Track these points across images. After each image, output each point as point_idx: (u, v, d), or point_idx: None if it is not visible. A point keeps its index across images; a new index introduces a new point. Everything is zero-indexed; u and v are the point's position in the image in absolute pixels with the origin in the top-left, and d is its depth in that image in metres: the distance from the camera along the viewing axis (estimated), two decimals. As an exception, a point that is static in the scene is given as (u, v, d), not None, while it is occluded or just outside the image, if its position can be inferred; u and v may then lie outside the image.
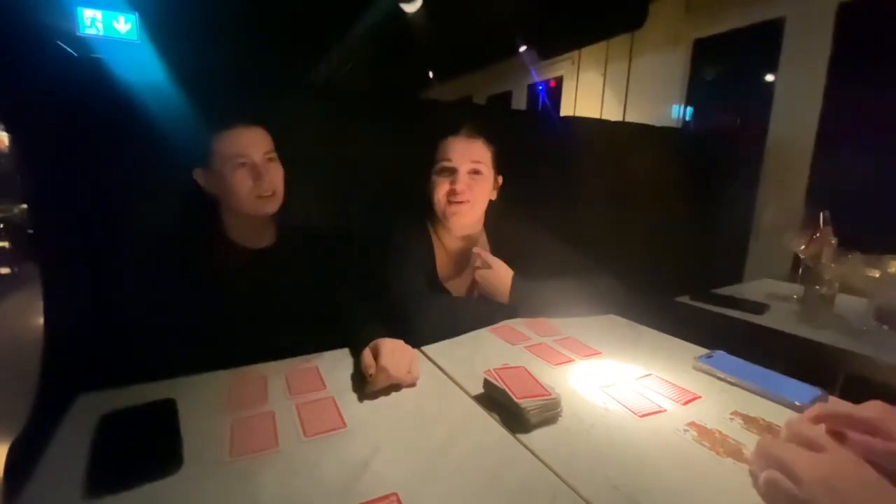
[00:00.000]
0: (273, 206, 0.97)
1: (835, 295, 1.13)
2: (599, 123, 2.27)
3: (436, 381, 0.75)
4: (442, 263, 1.09)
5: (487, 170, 1.02)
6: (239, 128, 0.93)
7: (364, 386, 0.70)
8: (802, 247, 1.25)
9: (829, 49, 2.20)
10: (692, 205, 2.39)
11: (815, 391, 0.70)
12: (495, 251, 1.06)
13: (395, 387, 0.70)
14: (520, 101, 4.59)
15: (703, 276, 2.29)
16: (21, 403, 0.91)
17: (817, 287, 1.14)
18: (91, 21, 3.12)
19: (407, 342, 0.77)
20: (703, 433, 0.60)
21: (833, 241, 1.11)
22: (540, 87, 4.45)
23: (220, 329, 0.86)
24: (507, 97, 4.73)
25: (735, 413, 0.66)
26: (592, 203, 2.01)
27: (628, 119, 3.21)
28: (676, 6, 2.89)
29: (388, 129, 1.44)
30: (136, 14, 3.16)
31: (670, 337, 0.98)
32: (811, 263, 1.18)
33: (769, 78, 2.52)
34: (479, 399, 0.68)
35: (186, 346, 0.81)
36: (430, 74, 4.87)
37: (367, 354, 0.72)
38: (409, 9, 2.76)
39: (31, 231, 1.05)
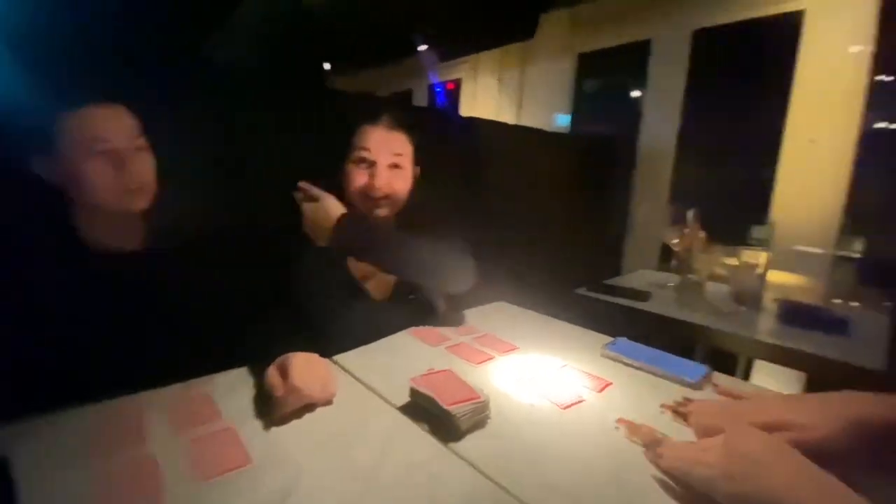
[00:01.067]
0: (142, 202, 0.81)
1: (705, 282, 1.30)
2: (499, 125, 2.36)
3: (356, 394, 0.68)
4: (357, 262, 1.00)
5: (408, 164, 0.97)
6: (94, 107, 0.75)
7: (271, 410, 0.61)
8: (675, 240, 1.43)
9: (685, 68, 2.56)
10: (579, 204, 2.63)
11: (703, 369, 0.79)
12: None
13: (309, 407, 0.62)
14: (421, 101, 4.61)
15: (589, 268, 2.54)
16: None
17: (690, 276, 1.30)
18: None
19: (322, 355, 0.69)
20: (634, 429, 0.60)
21: (702, 236, 1.27)
22: (439, 89, 4.52)
23: (75, 356, 0.69)
24: (408, 95, 4.71)
25: (664, 405, 0.67)
26: (491, 199, 2.09)
27: (523, 123, 3.40)
28: (563, 21, 3.13)
29: (291, 117, 1.32)
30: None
31: (575, 326, 1.03)
32: (684, 255, 1.35)
33: (640, 92, 2.86)
34: (406, 410, 0.63)
35: (26, 381, 0.63)
36: (327, 66, 4.64)
37: (272, 373, 0.62)
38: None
39: None
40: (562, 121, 3.30)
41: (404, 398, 0.64)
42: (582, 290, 1.42)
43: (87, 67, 1.01)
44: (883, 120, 2.00)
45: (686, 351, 1.17)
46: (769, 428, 0.51)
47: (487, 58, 3.73)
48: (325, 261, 0.93)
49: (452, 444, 0.56)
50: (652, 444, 0.55)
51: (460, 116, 2.17)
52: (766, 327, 1.20)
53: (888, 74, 1.93)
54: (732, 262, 1.27)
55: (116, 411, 0.60)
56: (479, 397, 0.59)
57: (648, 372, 0.79)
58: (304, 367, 0.62)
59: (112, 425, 0.56)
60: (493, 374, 0.75)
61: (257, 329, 0.78)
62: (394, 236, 0.94)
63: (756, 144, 2.35)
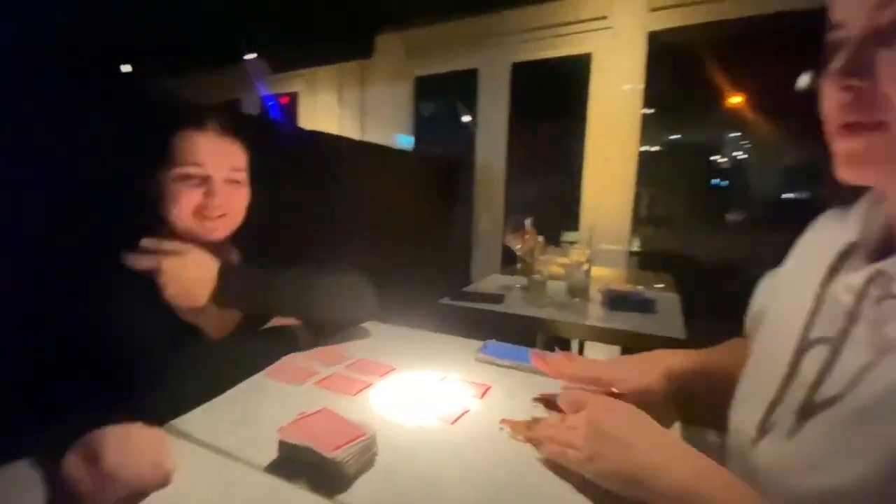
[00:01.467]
0: None
1: (546, 280, 1.45)
2: (347, 140, 2.30)
3: (206, 464, 0.53)
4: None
5: (245, 178, 0.83)
6: None
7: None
8: (518, 246, 1.57)
9: (508, 96, 2.90)
10: (428, 218, 2.73)
11: (556, 354, 0.86)
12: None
13: (137, 497, 0.46)
14: (252, 111, 4.21)
15: (445, 278, 2.65)
16: None
17: (534, 276, 1.44)
18: None
19: (147, 421, 0.53)
20: (516, 426, 0.61)
21: (540, 240, 1.43)
22: (271, 102, 4.21)
23: None
24: (235, 106, 4.25)
25: (535, 399, 0.70)
26: (342, 216, 2.01)
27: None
28: (398, 44, 3.24)
29: (80, 122, 1.02)
30: None
31: (446, 336, 1.03)
32: (527, 258, 1.49)
33: (472, 116, 3.14)
34: (275, 468, 0.52)
35: None
36: (127, 68, 3.88)
37: (72, 463, 0.44)
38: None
39: None
40: (404, 141, 3.40)
41: (271, 455, 0.53)
42: (445, 300, 1.44)
43: None
44: (651, 144, 2.60)
45: (531, 342, 1.27)
46: (601, 383, 0.63)
47: (326, 73, 3.62)
48: (139, 301, 0.73)
49: (340, 496, 0.48)
50: (531, 436, 0.57)
51: (303, 129, 2.04)
52: (595, 313, 1.40)
53: (651, 108, 2.52)
54: (565, 261, 1.45)
55: None
56: (364, 434, 0.52)
57: (520, 369, 0.83)
58: (121, 445, 0.46)
59: None
60: (374, 403, 0.69)
61: (42, 402, 0.56)
62: (262, 273, 0.82)
63: (568, 162, 2.79)
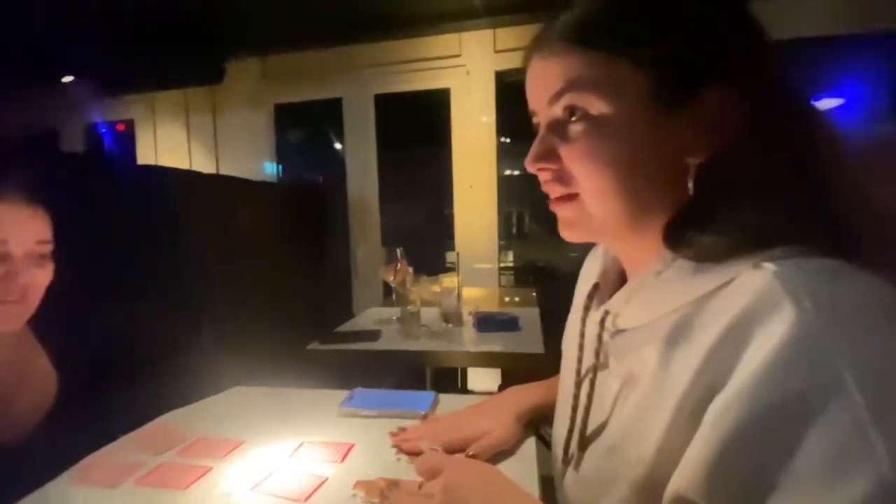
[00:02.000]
0: None
1: (419, 310, 1.45)
2: (194, 175, 2.06)
3: None
4: None
5: (51, 247, 0.67)
6: None
7: None
8: (391, 277, 1.56)
9: (374, 125, 2.92)
10: (299, 254, 2.57)
11: (430, 396, 0.85)
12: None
13: None
14: (74, 144, 3.55)
15: (323, 319, 2.50)
16: None
17: (408, 307, 1.43)
18: None
19: None
20: (369, 488, 0.57)
21: (410, 270, 1.43)
22: (104, 130, 3.62)
23: None
24: (53, 136, 3.54)
25: (397, 451, 0.67)
26: (195, 264, 1.77)
27: (223, 174, 3.10)
28: (252, 70, 3.06)
29: None
30: None
31: (309, 389, 0.95)
32: (399, 289, 1.48)
33: (341, 145, 3.08)
34: None
35: None
36: None
37: None
38: None
39: None
40: (268, 170, 3.20)
41: None
42: (314, 345, 1.35)
43: None
44: (507, 169, 2.84)
45: (419, 378, 1.25)
46: (464, 443, 0.63)
47: (169, 99, 3.24)
48: None
49: None
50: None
51: (141, 166, 1.78)
52: (468, 338, 1.44)
53: (503, 137, 2.76)
54: (436, 288, 1.48)
55: None
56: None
57: (387, 417, 0.79)
58: None
59: None
60: (213, 490, 0.59)
61: None
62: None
63: (438, 190, 2.91)
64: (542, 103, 0.44)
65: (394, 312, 1.69)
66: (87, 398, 0.73)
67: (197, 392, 0.90)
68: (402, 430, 0.71)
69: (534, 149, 0.45)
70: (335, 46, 2.87)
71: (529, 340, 1.37)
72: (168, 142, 3.28)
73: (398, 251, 1.51)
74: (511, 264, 3.38)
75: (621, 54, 0.39)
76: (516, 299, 2.04)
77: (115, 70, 3.05)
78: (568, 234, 0.47)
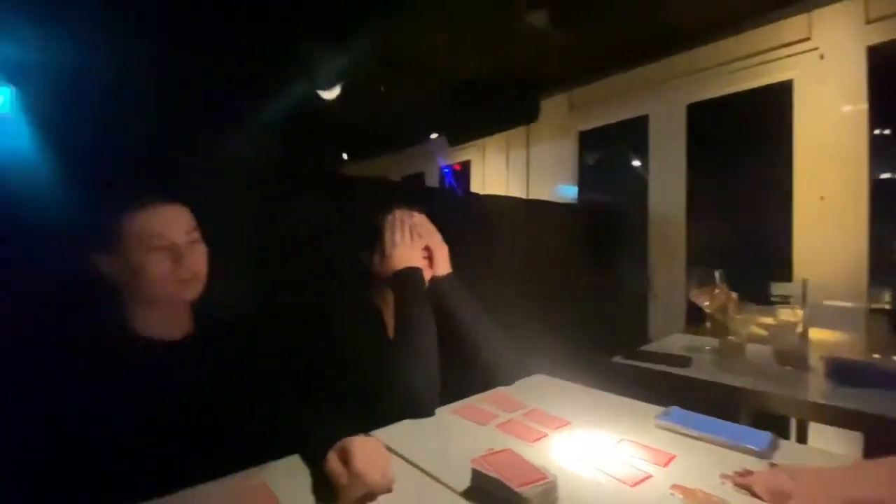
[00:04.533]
0: (194, 291, 0.85)
1: (744, 343, 1.27)
2: (511, 199, 2.48)
3: (412, 479, 0.66)
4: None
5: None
6: (156, 206, 0.82)
7: (329, 499, 0.59)
8: (706, 301, 1.42)
9: (684, 138, 2.72)
10: (597, 271, 2.65)
11: (768, 436, 0.75)
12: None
13: (370, 495, 0.60)
14: (432, 181, 4.87)
15: (616, 336, 2.49)
16: None
17: (730, 337, 1.27)
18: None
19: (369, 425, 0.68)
20: (688, 494, 0.60)
21: (734, 296, 1.27)
22: (446, 170, 4.80)
23: (137, 448, 0.69)
24: (420, 178, 4.99)
25: (723, 476, 0.65)
26: (507, 272, 2.12)
27: (532, 198, 3.55)
28: (562, 104, 3.40)
29: (317, 206, 1.41)
30: (12, 88, 2.83)
31: (620, 397, 1.00)
32: (719, 317, 1.34)
33: (642, 163, 3.02)
34: (469, 494, 0.60)
35: (84, 469, 0.63)
36: (344, 156, 4.99)
37: (334, 460, 0.61)
38: (328, 96, 2.87)
39: None
40: (568, 193, 3.45)
41: (464, 482, 0.62)
42: (618, 359, 1.39)
43: (144, 170, 1.13)
44: (888, 171, 2.08)
45: (730, 416, 1.10)
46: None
47: (494, 141, 4.00)
48: (367, 337, 0.96)
49: (525, 530, 0.53)
50: None
51: (472, 193, 2.29)
52: (816, 387, 1.15)
53: (884, 128, 2.04)
54: (768, 321, 1.25)
55: (177, 508, 0.58)
56: (546, 477, 0.57)
57: (709, 442, 0.76)
58: (365, 453, 0.61)
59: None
60: (550, 453, 0.73)
61: (306, 414, 0.78)
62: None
63: (767, 204, 2.42)
64: None
65: (704, 341, 1.53)
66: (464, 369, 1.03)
67: (509, 374, 1.08)
68: (748, 472, 0.63)
69: None
70: (644, 64, 2.85)
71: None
72: (492, 175, 4.03)
73: (716, 274, 1.37)
74: (888, 306, 2.41)
75: None
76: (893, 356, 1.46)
77: (461, 126, 4.02)
78: None
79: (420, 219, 1.08)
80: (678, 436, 0.79)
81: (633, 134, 3.02)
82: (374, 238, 1.03)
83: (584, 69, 3.10)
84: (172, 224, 0.83)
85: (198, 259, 0.86)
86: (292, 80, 3.09)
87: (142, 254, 0.79)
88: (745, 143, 2.54)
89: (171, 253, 0.81)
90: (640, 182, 3.00)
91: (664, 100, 2.82)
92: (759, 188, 2.49)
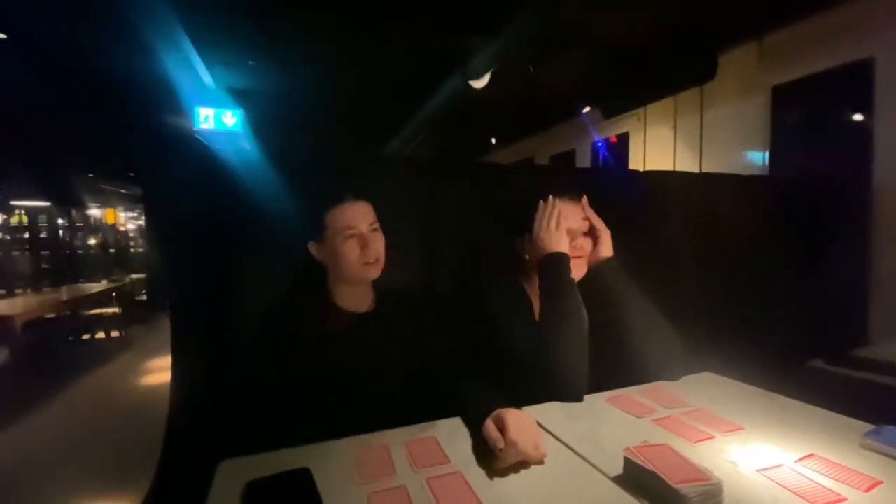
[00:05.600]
0: (376, 272, 1.02)
1: None
2: (679, 175, 2.21)
3: (564, 458, 0.70)
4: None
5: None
6: (348, 202, 1.00)
7: (489, 460, 0.67)
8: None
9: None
10: (792, 259, 2.18)
11: None
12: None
13: (523, 463, 0.67)
14: (583, 160, 4.63)
15: (817, 337, 2.04)
16: (131, 463, 0.97)
17: None
18: (205, 118, 3.67)
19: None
20: None
21: None
22: (600, 144, 4.48)
23: (335, 395, 0.88)
24: (570, 156, 4.79)
25: None
26: (678, 259, 1.90)
27: (706, 171, 3.10)
28: (749, 55, 2.85)
29: (474, 195, 1.51)
30: (241, 110, 3.68)
31: (811, 407, 0.86)
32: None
33: (863, 121, 2.35)
34: (620, 481, 0.62)
35: (307, 413, 0.84)
36: (493, 140, 5.09)
37: (491, 427, 0.69)
38: (478, 84, 2.96)
39: (169, 302, 1.16)
40: (756, 164, 2.91)
41: (616, 469, 0.63)
42: (817, 363, 1.17)
43: (341, 173, 1.37)
44: None
45: None
46: None
47: (658, 108, 3.59)
48: (517, 317, 1.01)
49: (682, 527, 0.52)
50: None
51: (632, 171, 2.11)
52: None
53: None
54: None
55: (370, 445, 0.74)
56: (710, 479, 0.55)
57: (942, 477, 0.61)
58: (520, 425, 0.68)
59: (369, 456, 0.70)
60: (717, 457, 0.68)
61: (468, 383, 0.88)
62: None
63: None
64: None
65: (958, 352, 1.17)
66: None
67: (674, 369, 1.01)
68: None
69: None
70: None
71: None
72: (656, 147, 3.63)
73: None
74: None
75: None
76: None
77: (617, 97, 3.71)
78: None
79: (582, 202, 1.09)
80: (890, 461, 0.65)
81: (849, 85, 2.37)
82: (526, 225, 1.08)
83: (783, 4, 2.52)
84: (360, 217, 1.00)
85: (378, 245, 1.02)
86: (448, 76, 3.28)
87: (339, 242, 0.98)
88: None
89: (359, 240, 0.99)
90: (859, 145, 2.35)
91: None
92: None
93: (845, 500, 0.57)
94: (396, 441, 0.75)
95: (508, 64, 2.88)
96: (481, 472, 0.66)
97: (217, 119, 3.73)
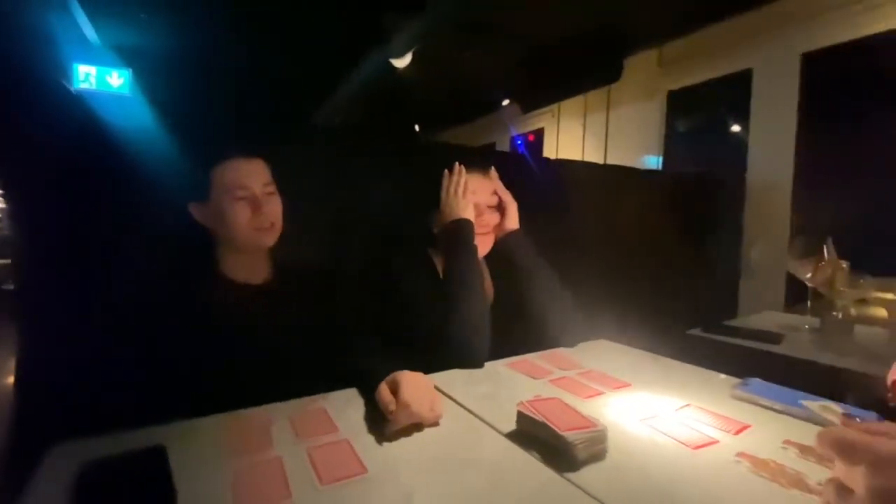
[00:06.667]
0: (271, 239, 0.92)
1: (853, 324, 1.10)
2: (587, 165, 2.34)
3: (460, 419, 0.67)
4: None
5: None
6: (238, 159, 0.89)
7: (380, 426, 0.62)
8: (808, 273, 1.25)
9: (796, 96, 2.35)
10: (679, 244, 2.43)
11: (872, 417, 0.65)
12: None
13: (417, 426, 0.62)
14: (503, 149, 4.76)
15: (699, 310, 2.29)
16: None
17: (835, 313, 1.12)
18: (85, 76, 3.16)
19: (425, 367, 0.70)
20: (757, 464, 0.54)
21: (844, 266, 1.10)
22: (519, 141, 4.64)
23: (215, 370, 0.77)
24: (491, 148, 4.89)
25: (787, 441, 0.60)
26: (582, 240, 2.02)
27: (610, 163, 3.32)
28: (650, 61, 3.10)
29: (388, 166, 1.44)
30: (130, 70, 3.23)
31: (693, 366, 0.93)
32: (823, 290, 1.17)
33: (741, 126, 2.67)
34: (514, 437, 0.60)
35: (179, 389, 0.72)
36: (416, 127, 5.03)
37: (384, 390, 0.64)
38: (399, 64, 2.88)
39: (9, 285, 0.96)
40: (651, 161, 3.18)
41: (510, 426, 0.62)
42: (696, 331, 1.28)
43: (229, 129, 1.23)
44: None
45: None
46: None
47: (570, 104, 3.78)
48: (424, 289, 0.98)
49: (569, 474, 0.52)
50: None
51: (546, 159, 2.19)
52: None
53: None
54: (888, 296, 1.07)
55: (248, 419, 0.65)
56: (595, 425, 0.55)
57: (794, 416, 0.68)
58: (415, 386, 0.63)
59: (244, 430, 0.61)
60: (605, 409, 0.70)
61: (367, 352, 0.82)
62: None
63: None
64: None
65: (801, 320, 1.35)
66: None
67: (572, 336, 1.05)
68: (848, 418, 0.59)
69: None
70: (752, 9, 2.48)
71: None
72: (567, 142, 3.83)
73: (828, 241, 1.19)
74: None
75: None
76: None
77: (536, 92, 3.84)
78: None
79: (490, 174, 1.07)
80: (758, 408, 0.72)
81: (731, 93, 2.67)
82: (437, 200, 1.04)
83: (680, 18, 2.76)
84: (253, 176, 0.89)
85: (274, 209, 0.92)
86: (370, 51, 3.15)
87: (227, 203, 0.86)
88: (873, 98, 2.14)
89: (251, 202, 0.88)
90: (737, 146, 2.67)
91: (773, 50, 2.44)
92: (887, 149, 2.09)
93: (717, 441, 0.60)
94: (280, 414, 0.67)
95: (431, 45, 2.84)
96: (372, 439, 0.60)
97: (100, 79, 3.21)
